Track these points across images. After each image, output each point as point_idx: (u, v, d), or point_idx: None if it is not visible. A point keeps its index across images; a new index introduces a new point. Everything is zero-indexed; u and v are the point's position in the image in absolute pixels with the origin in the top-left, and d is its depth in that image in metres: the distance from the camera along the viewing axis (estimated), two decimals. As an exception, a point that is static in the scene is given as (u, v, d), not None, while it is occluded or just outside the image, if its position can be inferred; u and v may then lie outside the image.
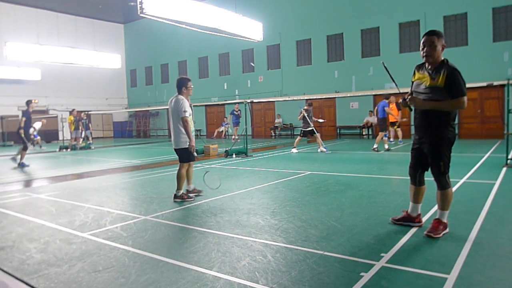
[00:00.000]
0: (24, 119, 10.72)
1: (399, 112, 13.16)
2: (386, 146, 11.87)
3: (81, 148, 17.15)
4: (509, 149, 8.07)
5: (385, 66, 4.07)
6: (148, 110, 28.21)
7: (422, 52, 3.58)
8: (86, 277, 2.95)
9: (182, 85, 5.57)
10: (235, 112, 18.90)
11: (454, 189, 5.68)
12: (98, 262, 3.25)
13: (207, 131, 25.13)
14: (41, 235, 4.15)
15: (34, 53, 15.82)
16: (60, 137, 19.94)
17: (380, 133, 11.94)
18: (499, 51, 15.44)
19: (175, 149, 5.69)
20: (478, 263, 2.94)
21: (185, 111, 5.42)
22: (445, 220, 3.63)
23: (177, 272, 2.97)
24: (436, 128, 3.55)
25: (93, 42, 25.22)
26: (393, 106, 12.75)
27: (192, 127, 5.56)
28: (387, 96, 12.18)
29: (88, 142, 17.93)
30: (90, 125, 17.60)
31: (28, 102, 10.87)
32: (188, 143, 5.49)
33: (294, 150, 12.25)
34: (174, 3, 9.80)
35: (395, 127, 13.58)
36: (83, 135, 17.44)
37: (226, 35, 13.13)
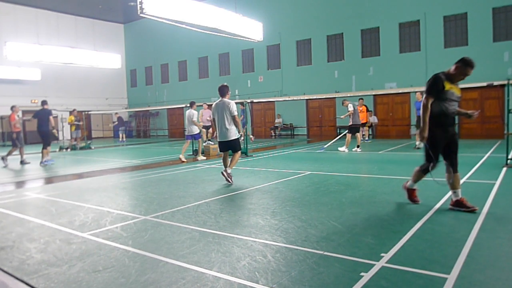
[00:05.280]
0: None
1: (366, 114, 15.41)
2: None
3: (81, 148, 17.15)
4: (509, 149, 8.08)
5: None
6: (148, 110, 28.20)
7: (462, 76, 4.29)
8: (86, 277, 2.95)
9: (228, 91, 7.70)
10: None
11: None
12: (98, 262, 3.25)
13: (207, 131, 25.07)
14: (41, 235, 4.15)
15: (34, 53, 15.79)
16: (60, 137, 19.91)
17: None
18: (499, 51, 15.44)
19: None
20: (478, 263, 2.94)
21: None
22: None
23: (177, 272, 2.97)
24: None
25: (93, 42, 25.20)
26: (363, 108, 14.49)
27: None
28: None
29: (89, 142, 17.92)
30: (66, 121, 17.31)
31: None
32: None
33: (345, 149, 12.08)
34: (174, 3, 9.79)
35: (366, 126, 15.88)
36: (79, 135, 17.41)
37: (226, 35, 13.12)
